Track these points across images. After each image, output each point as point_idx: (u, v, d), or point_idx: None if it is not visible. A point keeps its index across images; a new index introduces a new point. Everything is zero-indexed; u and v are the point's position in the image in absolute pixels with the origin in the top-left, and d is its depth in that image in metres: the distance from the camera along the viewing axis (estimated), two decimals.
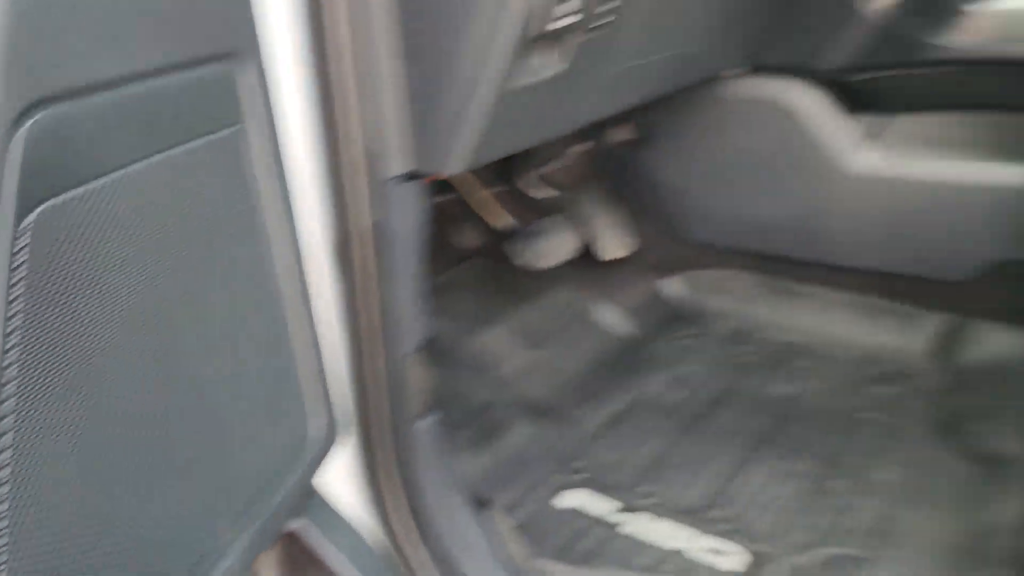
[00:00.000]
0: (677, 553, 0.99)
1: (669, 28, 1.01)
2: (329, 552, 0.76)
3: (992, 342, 1.27)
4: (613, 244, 1.49)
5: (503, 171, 1.51)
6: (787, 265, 1.47)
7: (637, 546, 1.00)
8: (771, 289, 1.48)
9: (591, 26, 0.80)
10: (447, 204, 1.50)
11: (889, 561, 0.95)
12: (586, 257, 1.50)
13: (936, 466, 1.09)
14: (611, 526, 1.04)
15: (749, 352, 1.40)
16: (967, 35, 1.24)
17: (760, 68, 1.35)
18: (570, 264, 1.48)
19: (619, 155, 1.53)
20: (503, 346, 1.34)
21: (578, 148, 1.56)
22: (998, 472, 1.05)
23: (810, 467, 1.11)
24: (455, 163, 0.81)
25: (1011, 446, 1.08)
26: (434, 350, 1.21)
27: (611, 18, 0.81)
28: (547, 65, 0.82)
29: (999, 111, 1.29)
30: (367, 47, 0.74)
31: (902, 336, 1.36)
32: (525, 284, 1.46)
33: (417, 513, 0.87)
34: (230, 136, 0.61)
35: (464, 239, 1.52)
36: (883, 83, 1.33)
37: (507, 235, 1.44)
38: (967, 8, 1.24)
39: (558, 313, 1.44)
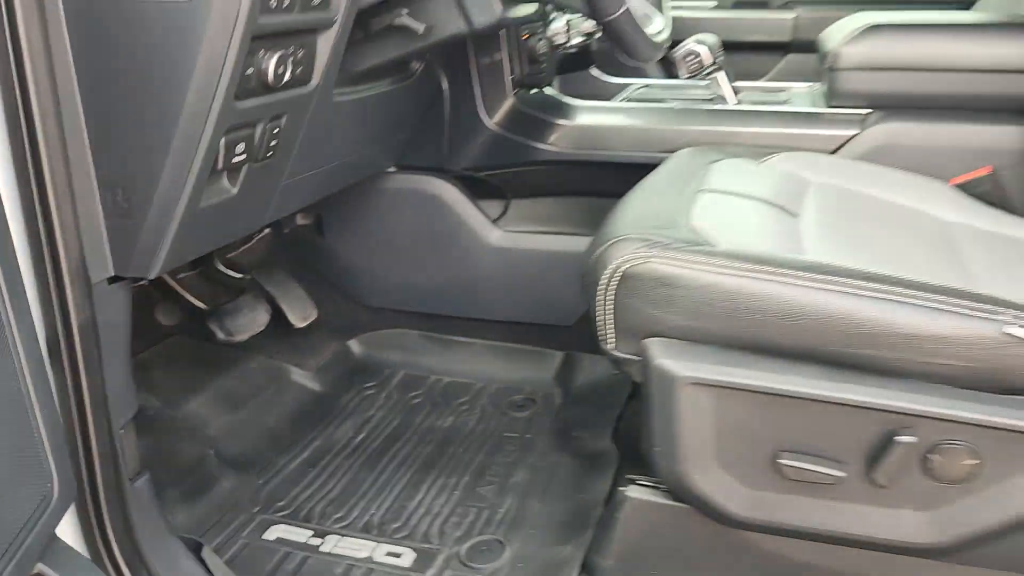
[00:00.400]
0: (365, 559, 1.25)
1: (327, 150, 1.29)
2: None
3: (593, 369, 1.69)
4: (299, 314, 1.73)
5: (199, 257, 1.69)
6: (446, 321, 1.81)
7: (332, 560, 1.25)
8: (434, 342, 1.81)
9: (256, 159, 1.06)
10: (148, 287, 1.65)
11: (521, 540, 1.28)
12: (278, 327, 1.72)
13: (556, 466, 1.46)
14: (310, 548, 1.27)
15: (419, 395, 1.71)
16: (558, 142, 1.67)
17: (407, 167, 1.69)
18: (263, 334, 1.70)
19: (300, 238, 1.78)
20: (208, 411, 1.52)
21: (262, 234, 1.79)
22: (596, 464, 1.44)
23: (466, 480, 1.43)
24: (156, 268, 1.01)
25: (604, 444, 1.48)
26: (145, 419, 1.37)
27: (271, 154, 1.07)
28: (225, 190, 1.06)
29: (585, 196, 1.74)
30: (75, 174, 0.93)
31: (535, 371, 1.75)
32: (224, 356, 1.65)
33: (141, 559, 1.04)
34: None
35: (165, 318, 1.67)
36: (504, 177, 1.73)
37: (204, 313, 1.62)
38: (558, 122, 1.68)
39: (255, 377, 1.64)
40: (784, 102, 1.70)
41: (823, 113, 1.55)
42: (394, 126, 1.55)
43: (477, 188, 1.74)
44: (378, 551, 1.26)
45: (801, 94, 1.79)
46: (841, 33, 1.55)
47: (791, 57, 2.67)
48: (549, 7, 1.64)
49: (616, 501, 1.13)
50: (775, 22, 2.65)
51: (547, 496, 1.38)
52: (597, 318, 1.03)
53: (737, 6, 2.78)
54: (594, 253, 1.03)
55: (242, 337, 1.60)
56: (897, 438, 0.90)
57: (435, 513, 1.35)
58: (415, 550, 1.26)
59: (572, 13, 1.69)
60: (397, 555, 1.26)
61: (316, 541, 1.29)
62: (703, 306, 0.95)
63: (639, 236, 1.01)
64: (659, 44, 1.28)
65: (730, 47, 2.65)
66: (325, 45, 1.10)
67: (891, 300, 0.90)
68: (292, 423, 1.59)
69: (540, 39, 1.61)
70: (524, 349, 1.77)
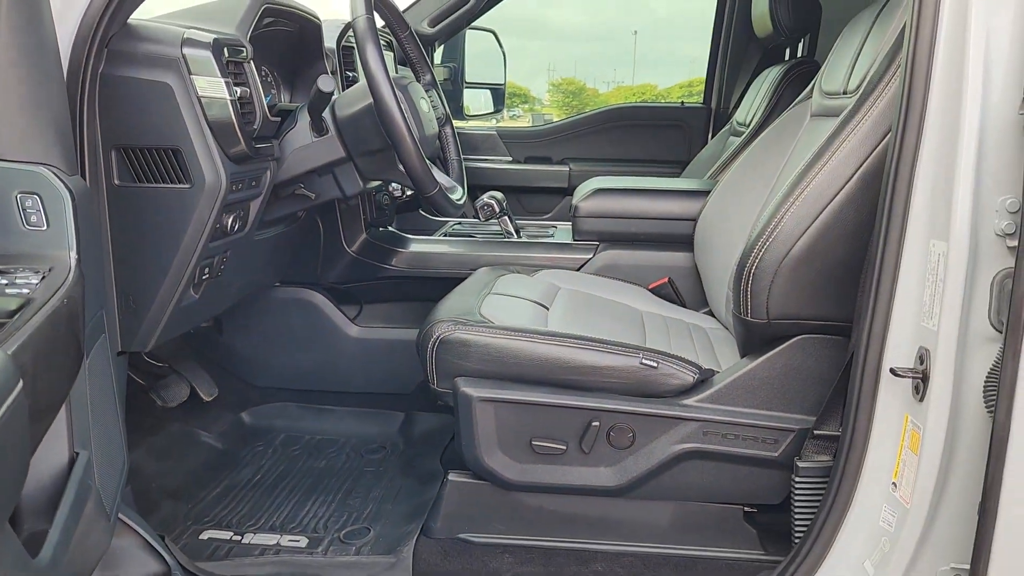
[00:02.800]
0: (274, 545, 1.85)
1: (247, 270, 1.96)
2: None
3: (427, 422, 2.38)
4: (206, 391, 2.32)
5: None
6: (318, 394, 2.45)
7: (251, 547, 1.84)
8: (308, 410, 2.44)
9: (213, 277, 1.72)
10: None
11: (381, 525, 1.92)
12: (191, 401, 2.30)
13: (402, 484, 2.12)
14: (234, 542, 1.86)
15: (298, 449, 2.33)
16: (398, 264, 2.41)
17: (289, 282, 2.36)
18: (181, 407, 2.27)
19: (204, 336, 2.39)
20: (144, 460, 2.07)
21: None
22: (429, 479, 2.12)
23: (339, 496, 2.06)
24: (151, 344, 1.64)
25: (434, 466, 2.16)
26: None
27: (220, 274, 1.74)
28: (192, 296, 1.71)
29: (418, 300, 2.47)
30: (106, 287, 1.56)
31: (384, 427, 2.42)
32: (152, 424, 2.21)
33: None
34: None
35: None
36: (360, 288, 2.44)
37: (143, 388, 2.19)
38: (397, 249, 2.42)
39: (177, 437, 2.21)
40: (550, 236, 2.53)
41: (571, 244, 2.39)
42: (283, 255, 2.23)
43: (340, 296, 2.43)
44: (283, 539, 1.87)
45: (562, 231, 2.63)
46: (581, 193, 2.41)
47: (568, 198, 3.58)
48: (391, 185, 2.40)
49: (442, 485, 1.81)
50: (555, 173, 3.56)
51: (397, 501, 2.04)
52: (427, 368, 1.74)
53: (528, 161, 3.68)
54: (423, 330, 1.75)
55: (173, 404, 2.18)
56: (592, 424, 1.66)
57: (319, 516, 1.97)
58: (308, 537, 1.88)
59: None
60: (296, 540, 1.86)
61: (237, 537, 1.87)
62: (487, 356, 1.69)
63: (450, 318, 1.74)
64: (459, 205, 2.05)
65: (524, 191, 3.55)
66: (255, 207, 1.79)
67: (582, 348, 1.67)
68: (206, 469, 2.17)
69: (384, 194, 2.37)
70: (376, 412, 2.44)
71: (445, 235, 2.58)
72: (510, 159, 3.66)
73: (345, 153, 1.85)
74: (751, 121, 2.75)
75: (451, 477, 1.80)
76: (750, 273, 1.60)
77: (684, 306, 2.30)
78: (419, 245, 2.43)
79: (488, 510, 1.78)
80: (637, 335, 1.91)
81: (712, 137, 3.43)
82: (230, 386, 2.42)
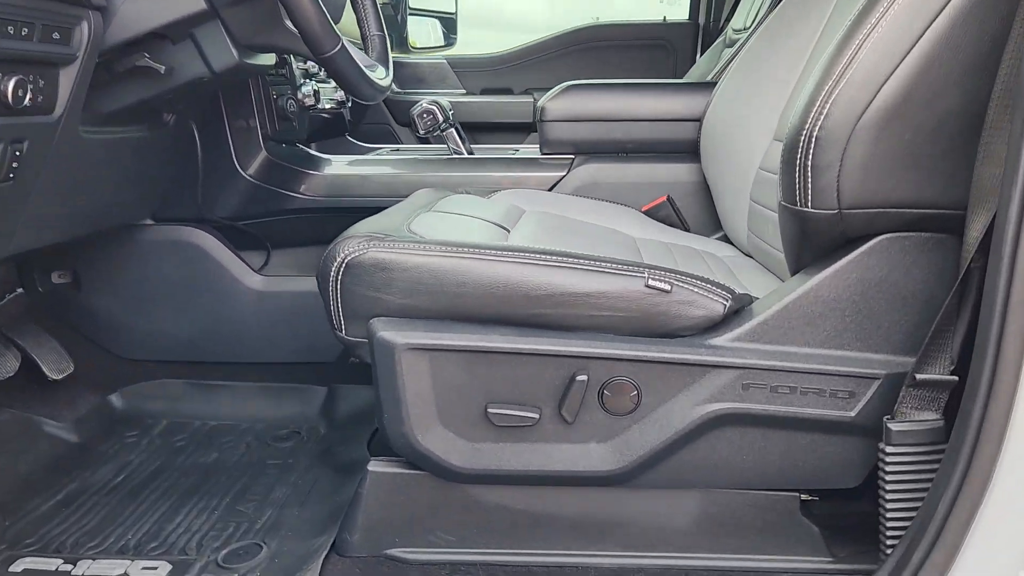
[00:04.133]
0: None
1: (77, 187, 1.37)
2: None
3: (356, 398, 1.81)
4: (54, 367, 1.72)
5: None
6: (211, 368, 1.86)
7: None
8: (199, 389, 1.85)
9: None
10: None
11: (279, 540, 1.35)
12: (31, 380, 1.70)
13: (316, 479, 1.55)
14: (61, 574, 1.27)
15: (182, 439, 1.74)
16: (310, 191, 1.83)
17: (165, 220, 1.77)
18: (16, 387, 1.67)
19: (57, 296, 1.79)
20: None
21: (14, 294, 1.79)
22: (351, 471, 1.54)
23: (226, 501, 1.49)
24: None
25: (360, 454, 1.59)
26: None
27: (12, 176, 1.15)
28: None
29: None
30: None
31: (300, 407, 1.84)
32: None
33: None
34: None
35: None
36: (264, 227, 1.85)
37: None
38: (309, 172, 1.84)
39: (5, 429, 1.61)
40: (512, 153, 1.97)
41: (539, 158, 1.82)
42: (148, 175, 1.64)
43: (239, 239, 1.84)
44: (133, 568, 1.29)
45: (527, 151, 2.07)
46: (550, 93, 1.85)
47: (535, 134, 3.02)
48: (290, 62, 1.82)
49: (361, 481, 1.24)
50: (517, 106, 2.99)
51: (306, 503, 1.46)
52: (330, 308, 1.17)
53: (485, 93, 3.11)
54: (324, 255, 1.17)
55: None
56: (577, 378, 1.10)
57: (194, 531, 1.39)
58: (171, 562, 1.30)
59: (299, 59, 1.86)
60: (153, 568, 1.28)
61: (67, 567, 1.29)
62: (415, 284, 1.12)
63: (359, 232, 1.17)
64: (381, 87, 1.48)
65: (481, 128, 2.97)
66: (67, 79, 1.20)
67: (560, 267, 1.11)
68: (46, 470, 1.57)
69: (289, 99, 1.78)
70: (289, 387, 1.86)
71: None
72: (463, 91, 3.09)
73: (206, 2, 1.27)
74: (752, 23, 2.20)
75: (373, 467, 1.23)
76: (811, 139, 1.04)
77: (688, 230, 1.75)
78: (340, 166, 1.85)
79: (427, 513, 1.22)
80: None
81: (701, 55, 2.88)
82: (92, 360, 1.83)
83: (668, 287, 1.11)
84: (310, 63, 1.93)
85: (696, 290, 1.12)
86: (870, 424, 1.10)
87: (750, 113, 1.59)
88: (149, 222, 1.77)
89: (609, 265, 1.12)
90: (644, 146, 1.78)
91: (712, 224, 1.75)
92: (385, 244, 1.14)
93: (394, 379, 1.12)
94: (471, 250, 1.13)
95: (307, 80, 1.89)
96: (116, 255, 1.78)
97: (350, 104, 2.16)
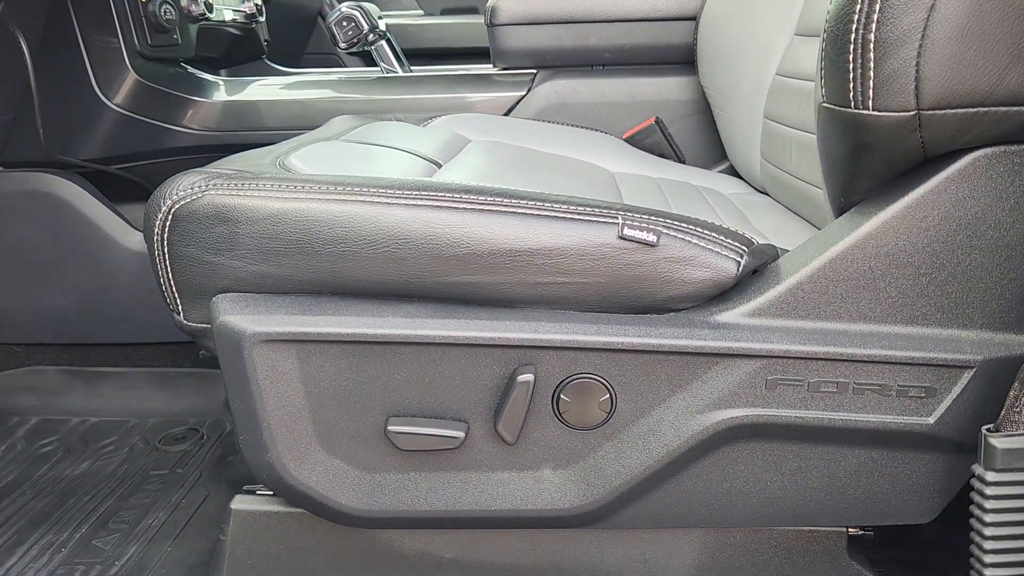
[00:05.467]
0: None
1: None
2: None
3: None
4: None
5: None
6: (91, 350, 1.49)
7: None
8: (74, 378, 1.48)
9: None
10: None
11: None
12: None
13: (203, 500, 1.19)
14: None
15: (51, 443, 1.38)
16: (199, 122, 1.43)
17: (12, 164, 1.38)
18: None
19: None
20: None
21: None
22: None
23: (81, 533, 1.13)
24: None
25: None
26: None
27: None
28: None
29: None
30: None
31: (203, 396, 1.47)
32: None
33: None
34: None
35: None
36: (144, 172, 1.47)
37: None
38: (195, 99, 1.44)
39: None
40: (459, 71, 1.57)
41: (491, 75, 1.43)
42: None
43: (115, 189, 1.46)
44: None
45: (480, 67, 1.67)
46: None
47: None
48: None
49: (223, 524, 0.88)
50: (475, 27, 2.58)
51: (182, 537, 1.11)
52: (160, 281, 0.80)
53: (445, 13, 2.70)
54: (148, 203, 0.79)
55: None
56: (520, 378, 0.73)
57: (22, 571, 1.04)
58: None
59: None
60: None
61: None
62: (272, 242, 0.74)
63: (198, 171, 0.79)
64: None
65: (442, 56, 2.56)
66: None
67: (487, 210, 0.74)
68: None
69: (164, 4, 1.38)
70: (188, 372, 1.49)
71: None
72: (421, 13, 2.67)
73: None
74: None
75: (238, 505, 0.87)
76: (873, 8, 0.66)
77: (683, 161, 1.37)
78: (234, 90, 1.45)
79: (318, 566, 0.86)
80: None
81: None
82: None
83: (653, 237, 0.73)
84: None
85: (695, 240, 0.74)
86: (957, 435, 0.74)
87: (761, 3, 1.20)
88: None
89: (565, 208, 0.74)
90: (625, 55, 1.39)
91: (713, 153, 1.37)
92: (230, 183, 0.76)
93: (246, 384, 0.75)
94: (356, 189, 0.74)
95: None
96: None
97: (263, 19, 1.75)
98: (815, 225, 1.02)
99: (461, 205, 0.74)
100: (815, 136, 0.78)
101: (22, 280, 1.44)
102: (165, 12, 1.37)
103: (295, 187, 0.75)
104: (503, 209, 0.74)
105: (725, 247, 0.74)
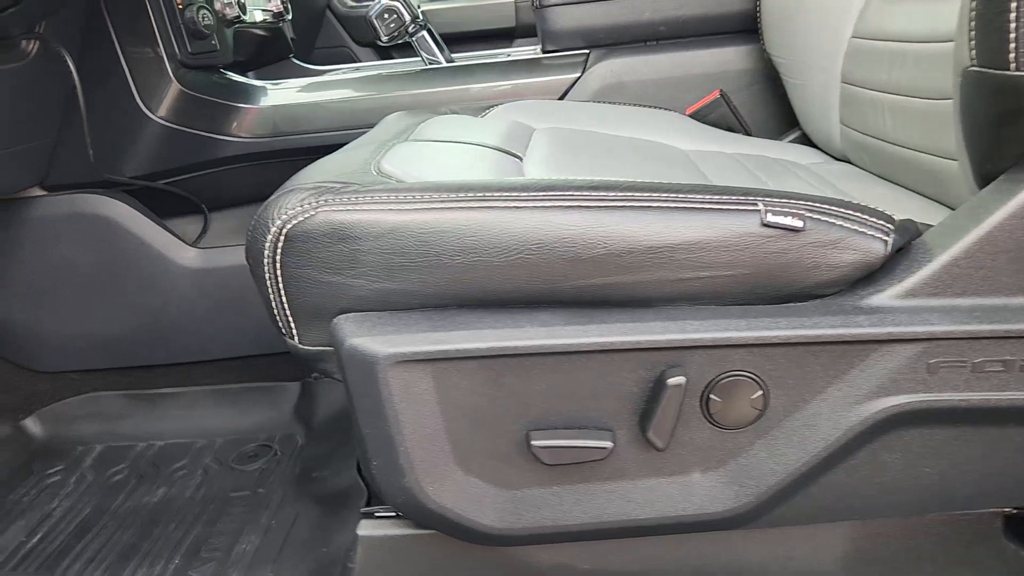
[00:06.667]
0: None
1: None
2: None
3: (336, 392, 1.41)
4: None
5: None
6: (150, 372, 1.45)
7: None
8: (136, 402, 1.44)
9: None
10: None
11: None
12: None
13: (294, 520, 1.16)
14: None
15: (121, 470, 1.34)
16: (247, 130, 1.38)
17: (60, 187, 1.34)
18: None
19: None
20: None
21: None
22: (341, 506, 1.16)
23: (175, 563, 1.10)
24: None
25: (350, 479, 1.20)
26: None
27: None
28: None
29: None
30: None
31: (269, 410, 1.43)
32: None
33: None
34: None
35: None
36: (193, 186, 1.42)
37: None
38: (242, 106, 1.39)
39: None
40: (503, 57, 1.52)
41: (541, 59, 1.38)
42: (17, 128, 1.20)
43: (164, 204, 1.42)
44: None
45: (522, 53, 1.62)
46: None
47: (520, 43, 2.55)
48: None
49: (350, 552, 0.85)
50: (493, 8, 2.52)
51: (282, 560, 1.07)
52: (271, 304, 0.76)
53: None
54: (252, 223, 0.75)
55: None
56: (668, 381, 0.70)
57: None
58: None
59: None
60: None
61: None
62: (396, 257, 0.70)
63: (304, 185, 0.75)
64: None
65: (458, 39, 2.50)
66: None
67: (623, 207, 0.70)
68: None
69: (201, 8, 1.32)
70: (253, 387, 1.45)
71: None
72: None
73: None
74: None
75: (365, 531, 0.83)
76: None
77: (749, 133, 1.33)
78: (282, 94, 1.41)
79: None
80: (695, 181, 0.94)
81: None
82: None
83: (799, 223, 0.69)
84: None
85: (840, 222, 0.70)
86: None
87: None
88: (38, 192, 1.34)
89: (702, 199, 0.70)
90: (682, 27, 1.34)
91: (777, 122, 1.33)
92: (343, 198, 0.72)
93: (380, 408, 0.71)
94: (481, 195, 0.70)
95: None
96: (3, 243, 1.35)
97: (290, 17, 1.70)
98: (917, 192, 0.99)
99: (594, 204, 0.70)
100: (912, 99, 0.74)
101: (74, 305, 1.39)
102: (203, 17, 1.31)
103: (414, 197, 0.71)
104: (639, 205, 0.70)
105: (871, 226, 0.71)
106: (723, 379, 0.71)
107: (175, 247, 1.38)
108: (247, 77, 1.62)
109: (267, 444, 1.36)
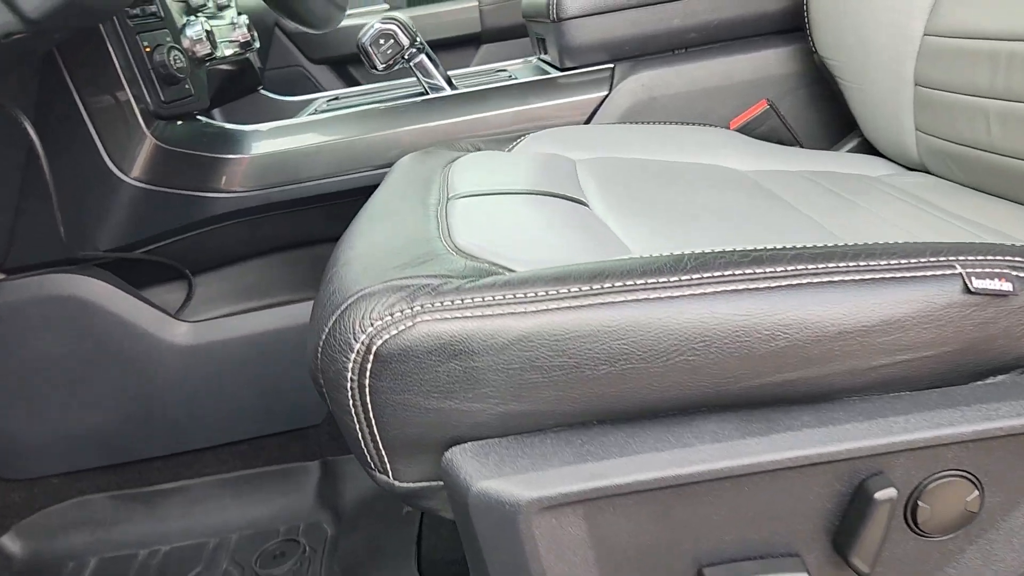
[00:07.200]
0: None
1: None
2: None
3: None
4: None
5: None
6: (145, 467, 1.27)
7: None
8: (131, 503, 1.26)
9: None
10: None
11: None
12: None
13: None
14: None
15: None
16: (237, 184, 1.21)
17: (22, 269, 1.14)
18: None
19: None
20: None
21: None
22: None
23: None
24: None
25: (405, 570, 1.05)
26: None
27: None
28: None
29: (295, 248, 1.30)
30: None
31: (288, 498, 1.27)
32: None
33: None
34: None
35: None
36: (174, 251, 1.24)
37: None
38: (228, 157, 1.21)
39: None
40: (508, 78, 1.37)
41: (561, 78, 1.24)
42: None
43: (140, 274, 1.23)
44: None
45: (523, 69, 1.47)
46: None
47: (487, 48, 2.40)
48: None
49: None
50: (457, 15, 2.37)
51: None
52: (358, 436, 0.60)
53: (413, 3, 2.47)
54: (321, 333, 0.60)
55: None
56: (876, 495, 0.57)
57: None
58: None
59: None
60: None
61: None
62: (526, 372, 0.56)
63: (388, 285, 0.59)
64: (340, 4, 0.89)
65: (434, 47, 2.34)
66: None
67: (801, 284, 0.56)
68: None
69: (172, 49, 1.14)
70: (265, 472, 1.29)
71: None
72: (386, 6, 2.44)
73: None
74: None
75: None
76: None
77: (800, 145, 1.21)
78: (271, 140, 1.23)
79: None
80: (786, 219, 0.82)
81: None
82: None
83: (1008, 285, 0.57)
84: None
85: None
86: None
87: None
88: (1, 276, 1.15)
89: (887, 265, 0.58)
90: (714, 32, 1.22)
91: (829, 130, 1.22)
92: (447, 301, 0.57)
93: (522, 563, 0.57)
94: (622, 284, 0.56)
95: (193, 17, 1.25)
96: None
97: (258, 45, 1.52)
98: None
99: (764, 283, 0.56)
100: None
101: (50, 401, 1.20)
102: (175, 60, 1.13)
103: (541, 294, 0.56)
104: (817, 280, 0.57)
105: None
106: (933, 482, 0.58)
107: (161, 323, 1.20)
108: (221, 119, 1.44)
109: (293, 539, 1.20)
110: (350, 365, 0.57)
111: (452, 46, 2.35)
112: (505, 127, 1.21)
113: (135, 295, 1.19)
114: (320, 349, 0.60)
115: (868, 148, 1.15)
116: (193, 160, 1.16)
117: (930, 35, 1.00)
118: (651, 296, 0.56)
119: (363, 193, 1.20)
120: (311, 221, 1.24)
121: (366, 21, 1.31)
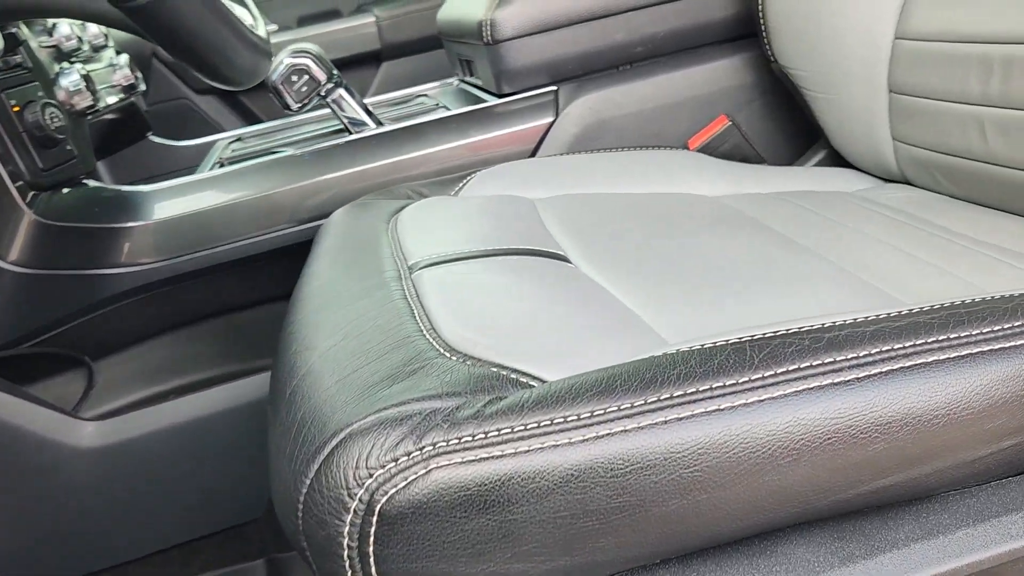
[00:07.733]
0: None
1: None
2: None
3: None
4: None
5: None
6: None
7: None
8: None
9: None
10: None
11: None
12: None
13: None
14: None
15: None
16: (137, 256, 1.04)
17: None
18: None
19: None
20: None
21: None
22: None
23: None
24: None
25: None
26: None
27: None
28: None
29: (209, 318, 1.13)
30: None
31: None
32: None
33: None
34: None
35: None
36: (67, 338, 1.06)
37: None
38: (125, 226, 1.04)
39: None
40: (436, 107, 1.24)
41: (500, 106, 1.12)
42: None
43: (30, 369, 1.05)
44: None
45: (445, 93, 1.35)
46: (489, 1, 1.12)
47: (388, 66, 2.26)
48: (23, 39, 0.99)
49: None
50: (354, 32, 2.22)
51: None
52: None
53: (304, 23, 2.30)
54: (300, 485, 0.46)
55: None
56: None
57: None
58: None
59: (36, 26, 1.07)
60: None
61: None
62: (577, 521, 0.44)
63: (382, 417, 0.46)
64: (262, 46, 0.75)
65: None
66: None
67: (889, 372, 0.46)
68: None
69: (47, 106, 0.96)
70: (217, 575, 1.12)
71: (221, 164, 1.20)
72: (275, 28, 2.27)
73: None
74: None
75: None
76: None
77: (763, 161, 1.13)
78: (174, 201, 1.06)
79: None
80: (799, 263, 0.73)
81: None
82: None
83: None
84: (60, 31, 1.10)
85: None
86: None
87: None
88: None
89: (968, 336, 0.49)
90: (659, 45, 1.12)
91: (794, 144, 1.14)
92: (464, 437, 0.44)
93: None
94: (680, 395, 0.45)
95: (67, 64, 1.07)
96: None
97: (143, 87, 1.34)
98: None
99: (852, 375, 0.46)
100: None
101: None
102: (51, 118, 0.95)
103: (585, 417, 0.44)
104: (910, 363, 0.47)
105: None
106: None
107: (61, 425, 1.02)
108: (106, 173, 1.26)
109: None
110: (346, 530, 0.44)
111: (350, 65, 2.20)
112: (445, 165, 1.09)
113: (26, 396, 1.01)
114: (301, 507, 0.46)
115: (837, 160, 1.08)
116: (84, 234, 0.99)
117: (902, 39, 0.93)
118: (722, 406, 0.45)
119: (287, 253, 1.05)
120: (230, 288, 1.09)
121: (316, 49, 1.17)
